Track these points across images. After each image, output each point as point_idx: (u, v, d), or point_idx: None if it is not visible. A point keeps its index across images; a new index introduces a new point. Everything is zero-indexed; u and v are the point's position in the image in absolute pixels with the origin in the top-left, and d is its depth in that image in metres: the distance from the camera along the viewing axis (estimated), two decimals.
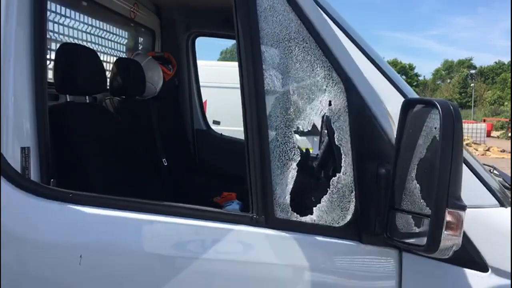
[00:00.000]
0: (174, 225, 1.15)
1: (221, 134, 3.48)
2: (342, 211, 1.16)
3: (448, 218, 0.95)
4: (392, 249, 1.13)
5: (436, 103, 0.96)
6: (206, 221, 1.14)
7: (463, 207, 0.94)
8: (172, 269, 1.15)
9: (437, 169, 0.94)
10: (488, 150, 19.05)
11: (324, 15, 1.23)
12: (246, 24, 1.17)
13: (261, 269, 1.14)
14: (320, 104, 1.21)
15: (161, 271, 1.15)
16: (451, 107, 0.95)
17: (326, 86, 1.21)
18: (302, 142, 5.72)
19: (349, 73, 1.18)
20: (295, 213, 1.17)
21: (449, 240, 0.96)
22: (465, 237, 1.07)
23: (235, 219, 1.17)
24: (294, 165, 1.20)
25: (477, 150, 18.34)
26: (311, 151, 2.65)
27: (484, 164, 1.87)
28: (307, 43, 1.20)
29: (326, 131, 1.67)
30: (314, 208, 1.18)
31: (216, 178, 3.02)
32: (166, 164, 2.92)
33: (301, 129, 1.26)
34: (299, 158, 1.20)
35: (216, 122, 5.37)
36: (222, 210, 1.23)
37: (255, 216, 1.14)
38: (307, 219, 1.17)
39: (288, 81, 1.26)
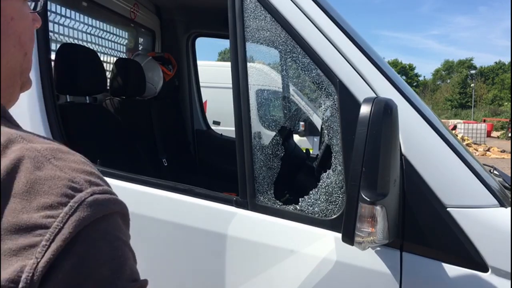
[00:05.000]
0: (171, 199, 1.34)
1: (221, 134, 3.48)
2: (331, 205, 1.23)
3: (364, 212, 0.97)
4: (392, 249, 1.13)
5: (372, 99, 0.97)
6: (198, 199, 1.33)
7: (372, 202, 0.95)
8: (162, 227, 1.35)
9: (352, 162, 0.96)
10: (488, 150, 19.03)
11: (322, 14, 1.24)
12: (234, 26, 1.30)
13: (236, 243, 1.27)
14: (311, 104, 1.29)
15: (153, 227, 1.36)
16: (385, 104, 0.95)
17: (318, 88, 1.24)
18: (302, 142, 5.72)
19: (341, 75, 1.19)
20: (277, 201, 1.30)
21: (364, 234, 1.00)
22: (465, 237, 1.07)
23: (222, 199, 1.33)
24: (278, 159, 1.39)
25: (477, 151, 18.32)
26: (311, 151, 2.66)
27: (484, 164, 1.87)
28: (294, 47, 1.25)
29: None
30: (300, 199, 1.27)
31: (216, 178, 3.02)
32: (166, 164, 2.93)
33: (287, 127, 1.43)
34: (283, 154, 1.40)
35: (216, 123, 5.37)
36: (211, 192, 1.35)
37: (239, 199, 1.30)
38: (291, 207, 1.27)
39: (277, 81, 1.39)
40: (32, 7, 0.61)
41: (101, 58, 2.64)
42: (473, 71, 69.05)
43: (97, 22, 2.77)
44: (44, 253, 0.40)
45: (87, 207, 0.43)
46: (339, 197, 1.21)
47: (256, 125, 1.35)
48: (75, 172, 0.46)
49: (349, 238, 0.99)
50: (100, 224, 0.44)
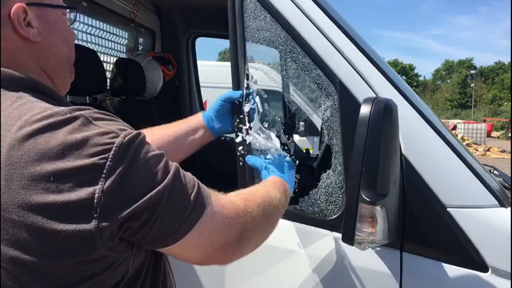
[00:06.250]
0: None
1: None
2: (331, 205, 1.23)
3: (364, 212, 0.97)
4: (392, 249, 1.13)
5: (372, 99, 0.97)
6: None
7: (372, 202, 0.95)
8: None
9: (352, 162, 0.96)
10: (488, 150, 19.04)
11: (322, 14, 1.24)
12: (234, 26, 1.30)
13: None
14: (310, 104, 1.27)
15: None
16: (385, 104, 0.95)
17: (318, 88, 1.24)
18: (302, 142, 5.72)
19: (341, 75, 1.19)
20: None
21: (364, 234, 1.00)
22: (465, 237, 1.07)
23: None
24: None
25: (477, 151, 18.33)
26: (311, 151, 2.66)
27: (484, 164, 1.87)
28: (294, 47, 1.25)
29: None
30: (300, 199, 1.27)
31: (216, 178, 3.02)
32: None
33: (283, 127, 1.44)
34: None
35: None
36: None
37: None
38: (291, 207, 1.26)
39: (277, 81, 1.38)
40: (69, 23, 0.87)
41: (101, 58, 2.64)
42: (473, 71, 69.09)
43: (97, 22, 2.77)
44: (106, 181, 0.63)
45: (125, 147, 0.66)
46: (339, 197, 1.21)
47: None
48: (109, 126, 0.67)
49: (349, 238, 0.99)
50: (134, 155, 0.67)
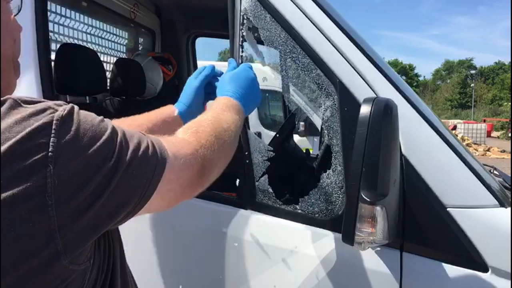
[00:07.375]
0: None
1: None
2: (331, 205, 1.23)
3: (364, 212, 0.97)
4: (392, 249, 1.13)
5: (372, 99, 0.97)
6: (198, 199, 1.28)
7: (372, 202, 0.95)
8: (162, 228, 1.38)
9: (352, 162, 0.96)
10: (488, 150, 19.05)
11: (322, 14, 1.24)
12: (233, 24, 1.31)
13: (236, 243, 1.28)
14: (310, 104, 1.27)
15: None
16: (385, 104, 0.95)
17: (318, 88, 1.24)
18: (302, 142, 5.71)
19: (341, 75, 1.19)
20: (277, 201, 1.29)
21: (364, 234, 1.00)
22: (465, 237, 1.07)
23: (221, 199, 1.34)
24: (278, 159, 1.37)
25: (477, 151, 18.34)
26: (311, 151, 2.66)
27: (484, 164, 1.87)
28: (294, 47, 1.25)
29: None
30: (300, 199, 1.27)
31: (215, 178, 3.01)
32: None
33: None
34: (283, 154, 1.32)
35: None
36: (211, 192, 1.32)
37: (239, 199, 1.32)
38: (291, 207, 1.27)
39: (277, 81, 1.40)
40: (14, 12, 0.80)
41: (101, 58, 2.64)
42: (473, 71, 69.09)
43: (97, 22, 2.77)
44: (54, 160, 0.55)
45: (66, 119, 0.59)
46: (339, 197, 1.21)
47: (256, 125, 1.34)
48: (42, 104, 0.60)
49: (349, 238, 0.99)
50: (78, 126, 0.60)
